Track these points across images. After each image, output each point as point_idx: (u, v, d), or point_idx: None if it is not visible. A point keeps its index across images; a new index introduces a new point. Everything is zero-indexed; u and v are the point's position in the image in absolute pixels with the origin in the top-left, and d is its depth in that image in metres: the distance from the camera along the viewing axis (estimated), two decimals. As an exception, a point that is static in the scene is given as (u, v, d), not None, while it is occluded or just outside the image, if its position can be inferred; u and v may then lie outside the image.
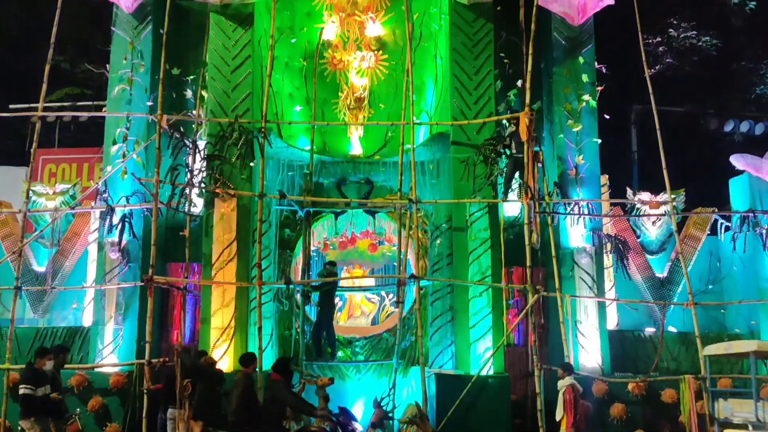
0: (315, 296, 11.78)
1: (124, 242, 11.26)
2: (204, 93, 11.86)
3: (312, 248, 12.21)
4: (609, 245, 11.90)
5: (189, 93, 12.33)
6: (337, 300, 12.36)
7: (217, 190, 10.92)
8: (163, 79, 10.37)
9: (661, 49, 18.18)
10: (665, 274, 12.98)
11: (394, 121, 12.05)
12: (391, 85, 12.99)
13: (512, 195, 11.24)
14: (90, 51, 17.57)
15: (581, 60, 12.13)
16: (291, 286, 11.01)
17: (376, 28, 13.09)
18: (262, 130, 10.74)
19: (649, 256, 13.08)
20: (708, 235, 13.14)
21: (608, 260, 12.23)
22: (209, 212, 11.16)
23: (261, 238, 10.38)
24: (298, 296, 12.01)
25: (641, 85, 11.34)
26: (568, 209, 11.61)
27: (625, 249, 11.85)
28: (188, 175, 10.83)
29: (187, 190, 10.73)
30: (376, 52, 13.09)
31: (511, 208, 12.10)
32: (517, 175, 10.91)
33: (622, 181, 14.21)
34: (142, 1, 11.95)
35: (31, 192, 11.74)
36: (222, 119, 11.19)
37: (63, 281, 12.51)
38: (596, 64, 12.28)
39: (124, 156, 11.42)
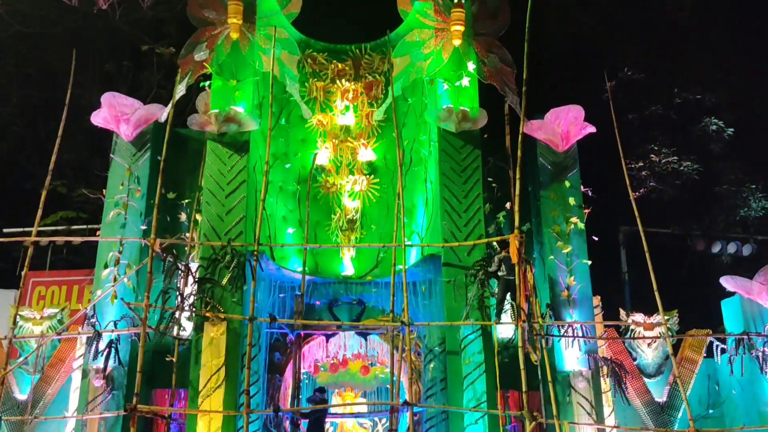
0: (304, 424, 11.37)
1: (109, 369, 10.98)
2: (198, 217, 11.98)
3: (302, 371, 11.97)
4: (605, 368, 11.66)
5: (183, 216, 12.44)
6: (327, 426, 11.94)
7: (207, 314, 10.79)
8: (159, 204, 10.54)
9: (644, 173, 18.72)
10: (665, 399, 12.68)
11: (385, 242, 12.21)
12: (383, 207, 13.26)
13: (505, 317, 11.14)
14: (88, 175, 17.97)
15: (567, 184, 12.43)
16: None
17: (367, 153, 13.55)
18: (255, 253, 10.76)
19: (647, 380, 12.84)
20: (704, 357, 12.94)
21: (606, 384, 11.94)
22: (198, 337, 10.96)
23: (250, 363, 10.15)
24: (287, 423, 11.58)
25: (627, 208, 11.53)
26: (562, 331, 11.46)
27: (622, 372, 11.59)
28: (179, 299, 10.73)
29: (177, 314, 10.62)
30: (367, 176, 13.47)
31: (505, 330, 11.93)
32: (508, 296, 10.86)
33: (614, 303, 14.09)
34: (142, 129, 12.36)
35: (18, 317, 11.55)
36: (215, 242, 11.27)
37: (45, 410, 12.04)
38: (582, 187, 12.55)
39: (114, 280, 11.36)
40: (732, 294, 13.15)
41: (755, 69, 20.59)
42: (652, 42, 20.20)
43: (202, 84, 12.62)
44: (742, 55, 20.56)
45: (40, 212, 10.97)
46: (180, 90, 12.06)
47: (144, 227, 11.84)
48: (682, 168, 18.58)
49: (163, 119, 12.21)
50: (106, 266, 11.61)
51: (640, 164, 18.70)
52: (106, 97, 12.34)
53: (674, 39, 20.12)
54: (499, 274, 10.92)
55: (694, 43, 20.17)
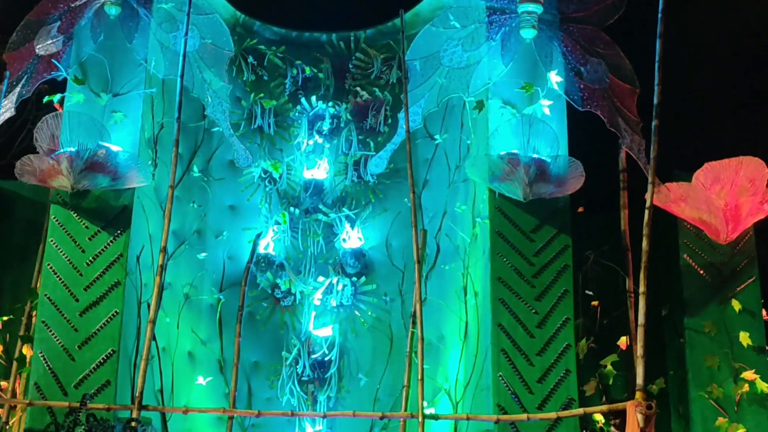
0: None
1: None
2: (27, 350, 11.51)
3: None
4: None
5: (-1, 349, 12.07)
6: None
7: None
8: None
9: None
10: None
11: (385, 411, 11.92)
12: (382, 340, 13.13)
13: None
14: None
15: (737, 306, 11.82)
16: None
17: (355, 235, 13.45)
18: (133, 423, 10.09)
19: None
20: None
21: None
22: None
23: None
24: None
25: None
26: None
27: None
28: None
29: None
30: (354, 277, 13.29)
31: None
32: None
33: None
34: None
35: None
36: (57, 402, 10.55)
37: None
38: (765, 314, 12.07)
39: None
40: None
41: None
42: None
43: (47, 98, 12.37)
44: None
45: None
46: (6, 107, 11.75)
47: None
48: None
49: (-31, 164, 11.89)
50: None
51: None
52: None
53: None
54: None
55: None
